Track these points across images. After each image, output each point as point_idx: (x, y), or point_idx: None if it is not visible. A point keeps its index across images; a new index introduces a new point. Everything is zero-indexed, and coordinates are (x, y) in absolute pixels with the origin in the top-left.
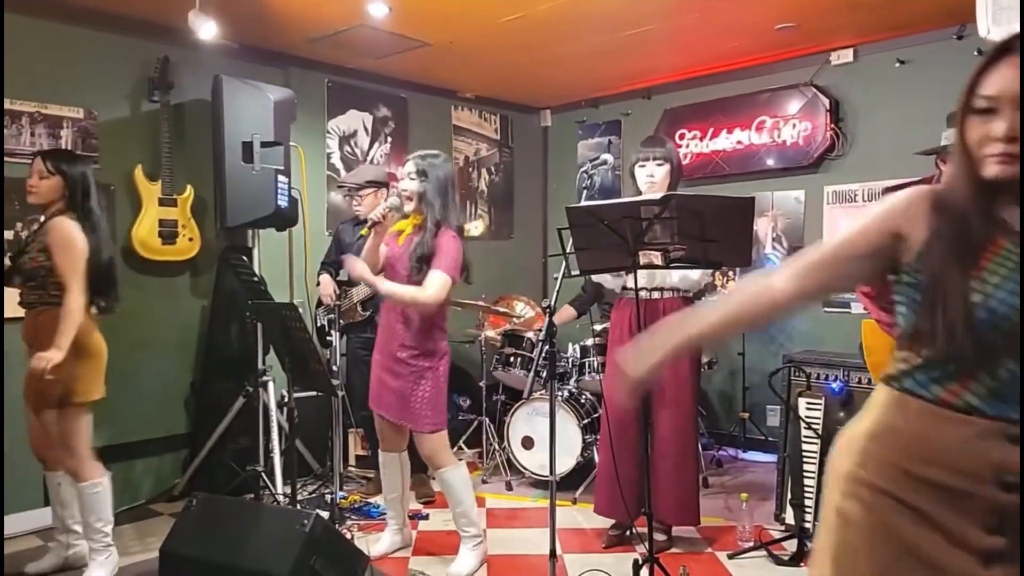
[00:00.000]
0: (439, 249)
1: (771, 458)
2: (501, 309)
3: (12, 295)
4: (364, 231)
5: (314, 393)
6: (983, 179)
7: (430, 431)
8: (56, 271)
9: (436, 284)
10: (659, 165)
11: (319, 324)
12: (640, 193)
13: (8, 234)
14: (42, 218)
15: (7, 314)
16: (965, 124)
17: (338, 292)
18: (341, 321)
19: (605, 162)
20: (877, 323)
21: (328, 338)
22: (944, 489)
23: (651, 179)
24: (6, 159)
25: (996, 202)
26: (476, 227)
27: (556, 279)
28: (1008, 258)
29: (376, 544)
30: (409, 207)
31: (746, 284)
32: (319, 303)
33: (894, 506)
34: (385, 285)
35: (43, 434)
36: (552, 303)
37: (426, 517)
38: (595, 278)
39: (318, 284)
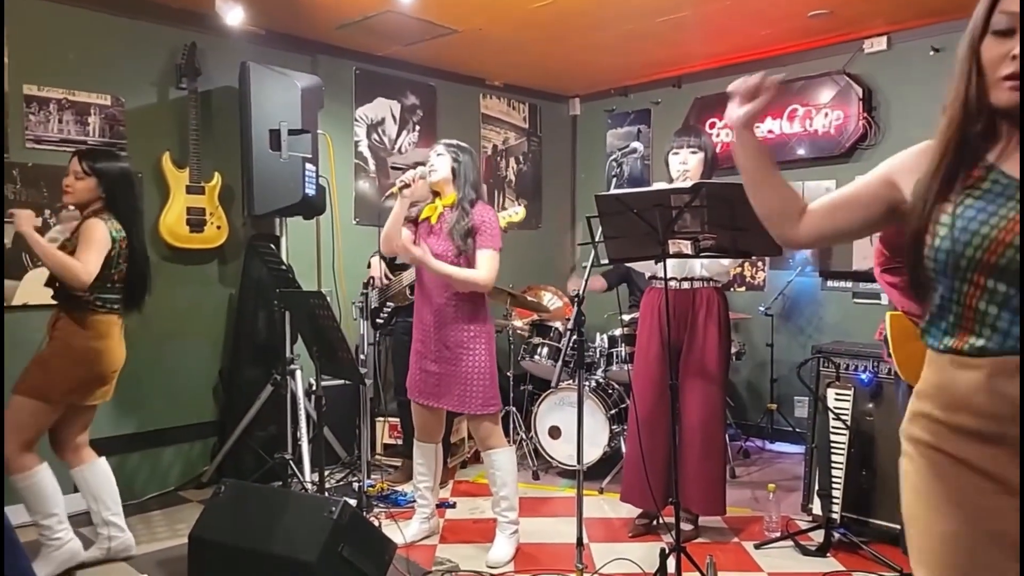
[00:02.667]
0: (481, 225)
1: (798, 449)
2: (529, 299)
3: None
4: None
5: (342, 381)
6: (988, 106)
7: (485, 411)
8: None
9: (488, 263)
10: (692, 153)
11: (373, 306)
12: (672, 180)
13: (37, 221)
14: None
15: (20, 302)
16: (981, 46)
17: (388, 275)
18: (389, 305)
19: (635, 151)
20: (905, 314)
21: (378, 321)
22: (976, 434)
23: (684, 166)
24: (36, 146)
25: (989, 133)
26: (516, 213)
27: (584, 268)
28: (977, 187)
29: (403, 531)
30: (436, 176)
31: (790, 188)
32: (368, 282)
33: (938, 457)
34: (437, 264)
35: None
36: (581, 292)
37: (453, 505)
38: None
39: (369, 266)
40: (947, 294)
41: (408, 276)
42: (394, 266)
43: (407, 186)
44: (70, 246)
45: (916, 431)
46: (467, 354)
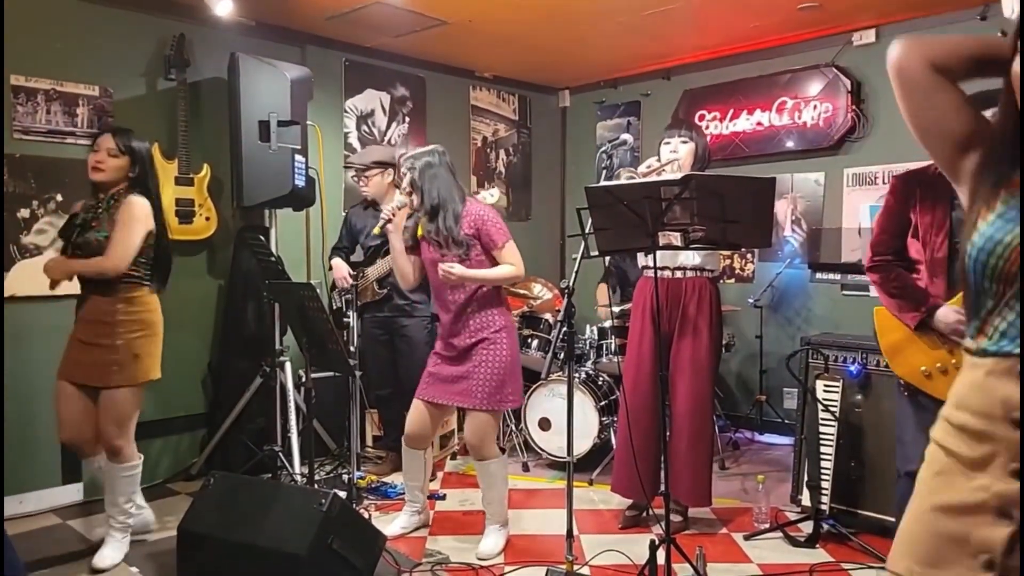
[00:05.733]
0: (484, 224)
1: (788, 440)
2: (519, 291)
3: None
4: (377, 230)
5: (332, 373)
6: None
7: (514, 405)
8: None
9: (513, 254)
10: (683, 142)
11: (335, 307)
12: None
13: (24, 212)
14: (102, 196)
15: (8, 293)
16: (1011, 68)
17: (353, 273)
18: (359, 302)
19: (624, 142)
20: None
21: (345, 319)
22: (971, 432)
23: (674, 154)
24: (24, 137)
25: None
26: (492, 195)
27: (575, 259)
28: (1013, 195)
29: (393, 524)
30: (416, 202)
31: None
32: (333, 286)
33: (938, 453)
34: (476, 273)
35: (86, 419)
36: (571, 284)
37: (443, 497)
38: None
39: (330, 268)
40: (974, 298)
41: (373, 272)
42: (356, 263)
43: (389, 221)
44: (106, 219)
45: (934, 431)
46: (494, 349)
